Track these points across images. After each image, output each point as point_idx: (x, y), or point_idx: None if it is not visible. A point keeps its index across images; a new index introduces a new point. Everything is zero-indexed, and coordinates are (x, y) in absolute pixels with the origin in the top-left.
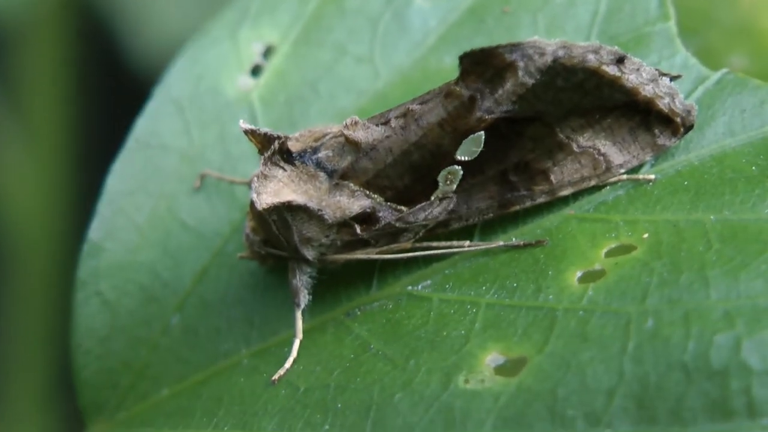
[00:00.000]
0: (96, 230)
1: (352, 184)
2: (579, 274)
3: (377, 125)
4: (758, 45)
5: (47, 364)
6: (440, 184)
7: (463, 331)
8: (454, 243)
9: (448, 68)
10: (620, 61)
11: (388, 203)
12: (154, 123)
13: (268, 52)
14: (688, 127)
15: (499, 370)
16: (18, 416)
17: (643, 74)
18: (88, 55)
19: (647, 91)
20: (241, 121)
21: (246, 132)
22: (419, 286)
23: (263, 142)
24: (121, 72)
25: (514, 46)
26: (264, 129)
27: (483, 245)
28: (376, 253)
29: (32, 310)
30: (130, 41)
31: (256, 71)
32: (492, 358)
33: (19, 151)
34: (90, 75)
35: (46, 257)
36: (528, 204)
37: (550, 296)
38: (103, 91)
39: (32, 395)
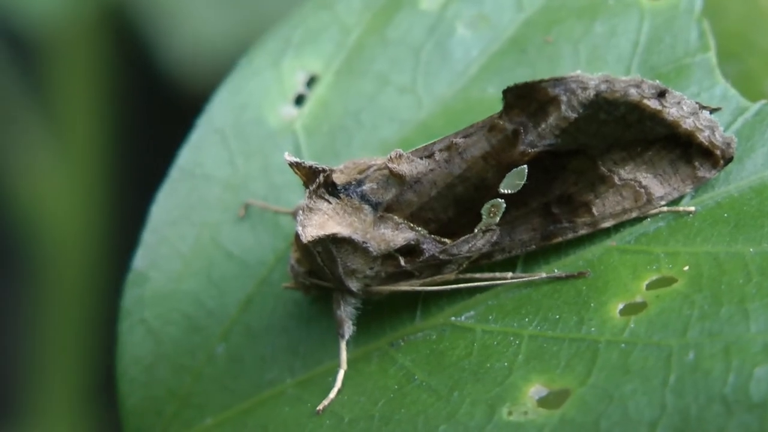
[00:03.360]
0: (141, 259)
1: (396, 217)
2: (621, 306)
3: (421, 158)
4: None
5: (80, 370)
6: (484, 216)
7: (506, 363)
8: (497, 274)
9: (491, 98)
10: (661, 94)
11: (432, 236)
12: (198, 153)
13: (311, 82)
14: (728, 160)
15: (542, 402)
16: (53, 426)
17: (684, 107)
18: (123, 65)
19: (688, 124)
20: (287, 153)
21: (291, 165)
22: (462, 317)
23: (308, 174)
24: (156, 81)
25: (558, 81)
26: (309, 162)
27: (525, 277)
28: (420, 285)
29: (66, 317)
30: (165, 50)
31: (299, 100)
32: (535, 390)
33: (55, 162)
34: (125, 84)
35: (80, 265)
36: (570, 236)
37: (593, 328)
38: (137, 100)
39: (67, 402)
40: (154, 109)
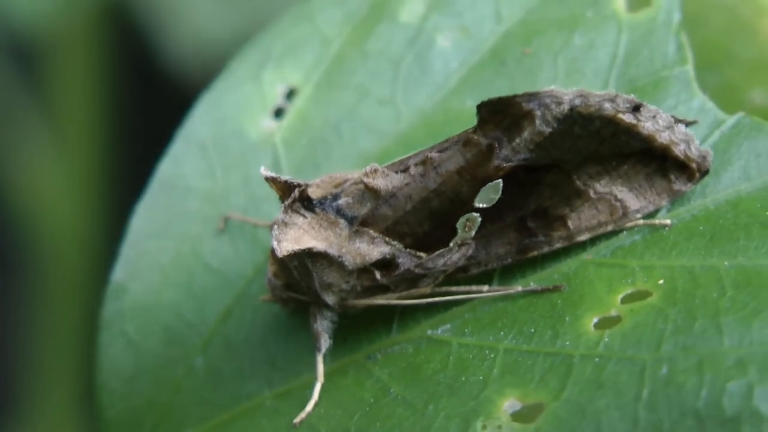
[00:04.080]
0: (120, 271)
1: (371, 231)
2: (595, 320)
3: (396, 172)
4: None
5: (78, 371)
6: (459, 230)
7: (481, 377)
8: (473, 288)
9: (469, 110)
10: (636, 108)
11: (408, 250)
12: (178, 165)
13: (290, 94)
14: (704, 173)
15: (516, 416)
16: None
17: (660, 121)
18: (123, 64)
19: (663, 137)
20: (263, 168)
21: (267, 179)
22: (439, 330)
23: (284, 189)
24: (156, 80)
25: (532, 96)
26: (284, 177)
27: (501, 290)
28: (396, 299)
29: (65, 317)
30: (165, 50)
31: (279, 113)
32: (509, 404)
33: (53, 162)
34: (124, 84)
35: (79, 266)
36: (546, 249)
37: (567, 342)
38: (137, 99)
39: (66, 402)
40: (153, 108)
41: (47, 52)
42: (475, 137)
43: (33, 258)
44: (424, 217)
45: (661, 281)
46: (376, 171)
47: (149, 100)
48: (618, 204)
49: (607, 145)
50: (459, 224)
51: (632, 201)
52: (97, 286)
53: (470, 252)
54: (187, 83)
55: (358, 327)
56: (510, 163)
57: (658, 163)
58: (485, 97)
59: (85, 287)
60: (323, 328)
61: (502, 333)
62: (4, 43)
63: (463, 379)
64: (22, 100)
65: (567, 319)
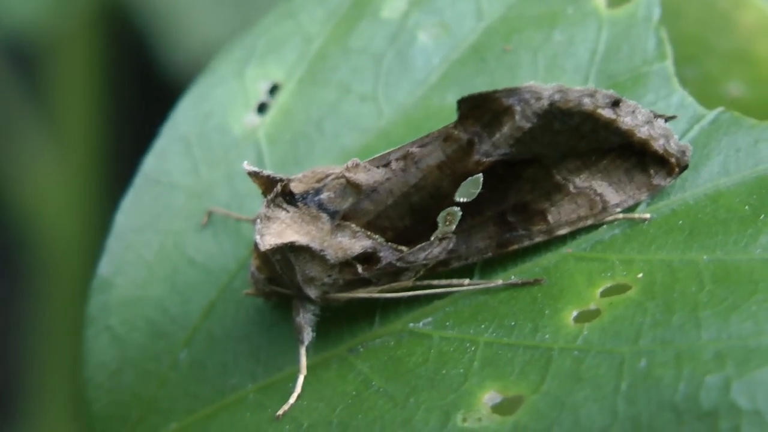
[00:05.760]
0: (106, 266)
1: (353, 225)
2: (575, 313)
3: (378, 167)
4: (756, 72)
5: (75, 374)
6: (440, 224)
7: (461, 370)
8: (454, 281)
9: (450, 106)
10: (616, 104)
11: (389, 243)
12: (163, 160)
13: (273, 90)
14: (683, 168)
15: (496, 408)
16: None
17: (639, 116)
18: (122, 67)
19: (642, 133)
20: (245, 163)
21: (250, 174)
22: (420, 323)
23: (266, 184)
24: (155, 83)
25: (512, 91)
26: (267, 171)
27: (482, 284)
28: (378, 292)
29: (63, 318)
30: (165, 52)
31: (262, 109)
32: (489, 396)
33: (53, 165)
34: (123, 86)
35: (79, 268)
36: (526, 243)
37: (547, 335)
38: (136, 102)
39: (65, 404)
40: (151, 110)
41: (45, 54)
42: (456, 132)
43: (32, 260)
44: (405, 212)
45: (640, 275)
46: (357, 166)
47: (147, 102)
48: (598, 198)
49: (586, 140)
50: (440, 218)
51: (612, 195)
52: None
53: (451, 246)
54: (185, 85)
55: (341, 320)
56: (490, 158)
57: (638, 158)
58: (466, 93)
59: (84, 288)
60: (306, 321)
61: (482, 326)
62: (2, 46)
63: (444, 372)
64: (20, 103)
65: (547, 312)
